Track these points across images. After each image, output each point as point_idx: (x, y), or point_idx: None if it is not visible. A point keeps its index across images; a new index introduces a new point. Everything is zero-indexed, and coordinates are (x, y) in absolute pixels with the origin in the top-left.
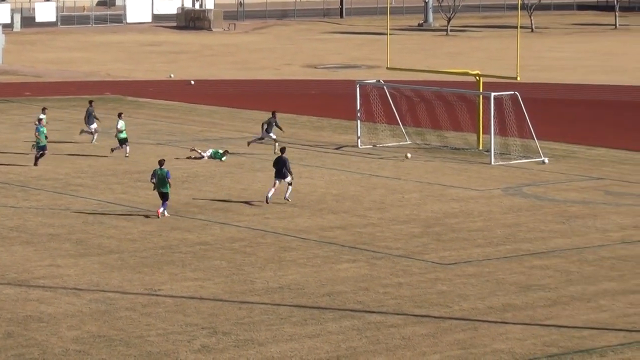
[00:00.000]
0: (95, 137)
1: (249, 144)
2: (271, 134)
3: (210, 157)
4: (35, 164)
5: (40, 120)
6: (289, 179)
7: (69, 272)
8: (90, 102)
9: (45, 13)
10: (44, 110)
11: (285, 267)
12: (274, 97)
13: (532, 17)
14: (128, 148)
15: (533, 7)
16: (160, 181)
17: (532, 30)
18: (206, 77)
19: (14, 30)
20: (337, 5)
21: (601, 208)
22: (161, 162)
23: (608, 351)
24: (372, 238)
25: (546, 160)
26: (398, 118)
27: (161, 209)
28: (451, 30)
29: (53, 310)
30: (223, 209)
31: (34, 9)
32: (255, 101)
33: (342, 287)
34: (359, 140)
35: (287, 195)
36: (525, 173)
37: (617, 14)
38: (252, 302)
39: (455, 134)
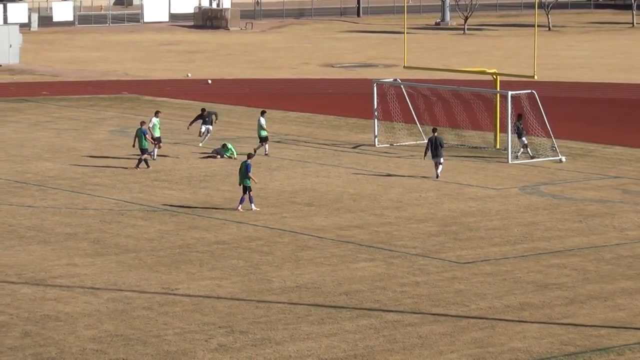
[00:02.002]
0: (205, 139)
1: (517, 157)
2: (523, 138)
3: (226, 156)
4: (148, 166)
5: (142, 123)
6: (441, 159)
7: (87, 271)
8: (203, 109)
9: (62, 12)
10: (156, 113)
11: (303, 266)
12: (291, 96)
13: (549, 16)
14: (267, 146)
15: (550, 5)
16: (242, 174)
17: (549, 29)
18: (223, 76)
19: (32, 29)
20: (354, 4)
21: (619, 207)
22: (249, 155)
23: (625, 350)
24: (389, 237)
25: (563, 159)
26: (415, 117)
27: (239, 206)
28: (468, 29)
29: (70, 310)
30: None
31: (51, 8)
32: (272, 100)
33: (359, 286)
34: (376, 139)
35: (439, 172)
36: (543, 172)
37: (634, 12)
38: (269, 301)
39: (473, 132)
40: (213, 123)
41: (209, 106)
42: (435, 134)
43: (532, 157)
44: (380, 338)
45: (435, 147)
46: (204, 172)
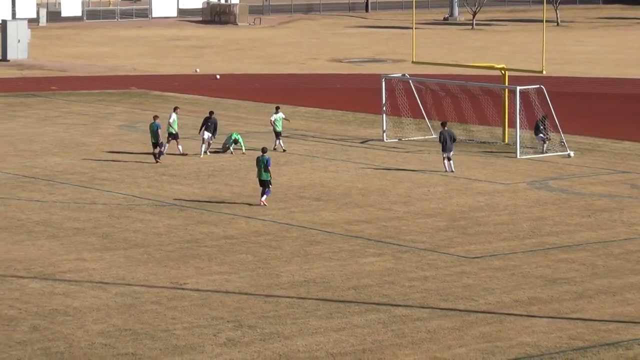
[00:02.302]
0: (204, 148)
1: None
2: (541, 135)
3: (232, 145)
4: (157, 161)
5: (155, 117)
6: (451, 153)
7: (95, 265)
8: (211, 112)
9: (70, 8)
10: (175, 109)
11: (311, 261)
12: (299, 91)
13: (557, 11)
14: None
15: (558, 0)
16: (261, 169)
17: (557, 24)
18: (232, 72)
19: (40, 24)
20: (363, 0)
21: (627, 201)
22: (264, 150)
23: (634, 344)
24: (397, 232)
25: (572, 154)
26: (423, 112)
27: (263, 198)
28: (477, 24)
29: (79, 304)
30: (249, 203)
31: (59, 3)
32: (280, 95)
33: (368, 281)
34: (385, 134)
35: (453, 166)
36: (551, 166)
37: None
38: (278, 296)
39: (481, 127)
40: (214, 132)
41: (216, 102)
42: (445, 127)
43: (541, 152)
44: (388, 332)
45: (447, 141)
46: (212, 167)
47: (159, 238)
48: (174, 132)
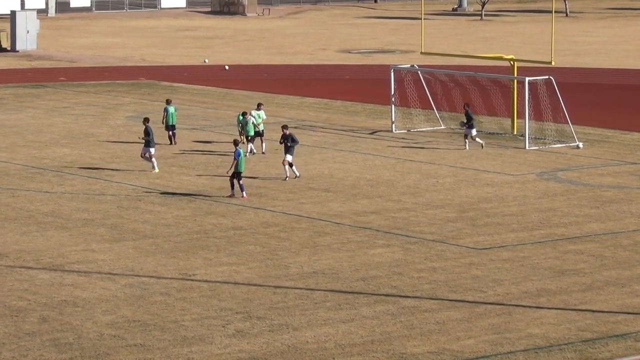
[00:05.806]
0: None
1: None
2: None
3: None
4: (171, 143)
5: (168, 101)
6: (290, 156)
7: (104, 257)
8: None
9: None
10: (259, 106)
11: (320, 252)
12: (308, 82)
13: (566, 2)
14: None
15: None
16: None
17: (566, 15)
18: (240, 62)
19: (49, 15)
20: None
21: (636, 193)
22: (237, 142)
23: None
24: (406, 223)
25: (580, 145)
26: (432, 103)
27: (243, 193)
28: (485, 15)
29: (88, 295)
30: (257, 194)
31: None
32: (289, 86)
33: (377, 272)
34: (393, 125)
35: (295, 170)
36: (560, 158)
37: None
38: (287, 287)
39: (490, 118)
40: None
41: (226, 92)
42: (287, 131)
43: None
44: (397, 324)
45: (291, 143)
46: (221, 158)
47: (168, 229)
48: (259, 130)
